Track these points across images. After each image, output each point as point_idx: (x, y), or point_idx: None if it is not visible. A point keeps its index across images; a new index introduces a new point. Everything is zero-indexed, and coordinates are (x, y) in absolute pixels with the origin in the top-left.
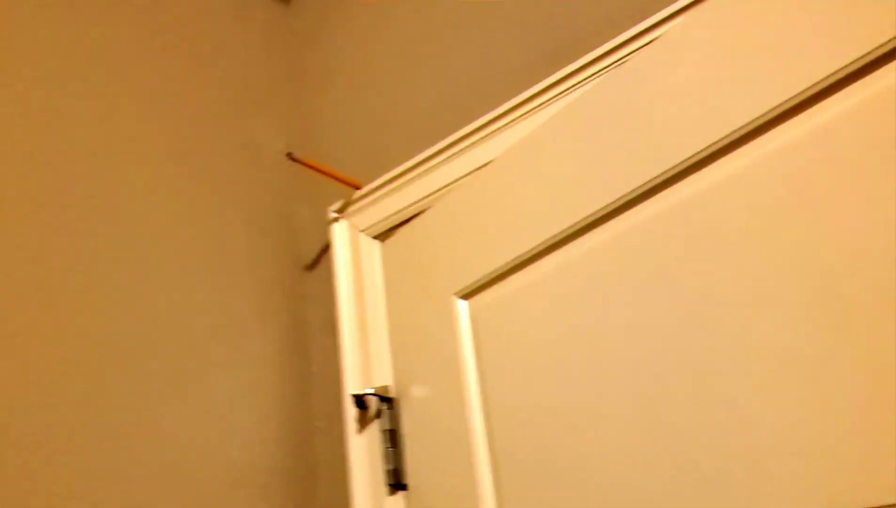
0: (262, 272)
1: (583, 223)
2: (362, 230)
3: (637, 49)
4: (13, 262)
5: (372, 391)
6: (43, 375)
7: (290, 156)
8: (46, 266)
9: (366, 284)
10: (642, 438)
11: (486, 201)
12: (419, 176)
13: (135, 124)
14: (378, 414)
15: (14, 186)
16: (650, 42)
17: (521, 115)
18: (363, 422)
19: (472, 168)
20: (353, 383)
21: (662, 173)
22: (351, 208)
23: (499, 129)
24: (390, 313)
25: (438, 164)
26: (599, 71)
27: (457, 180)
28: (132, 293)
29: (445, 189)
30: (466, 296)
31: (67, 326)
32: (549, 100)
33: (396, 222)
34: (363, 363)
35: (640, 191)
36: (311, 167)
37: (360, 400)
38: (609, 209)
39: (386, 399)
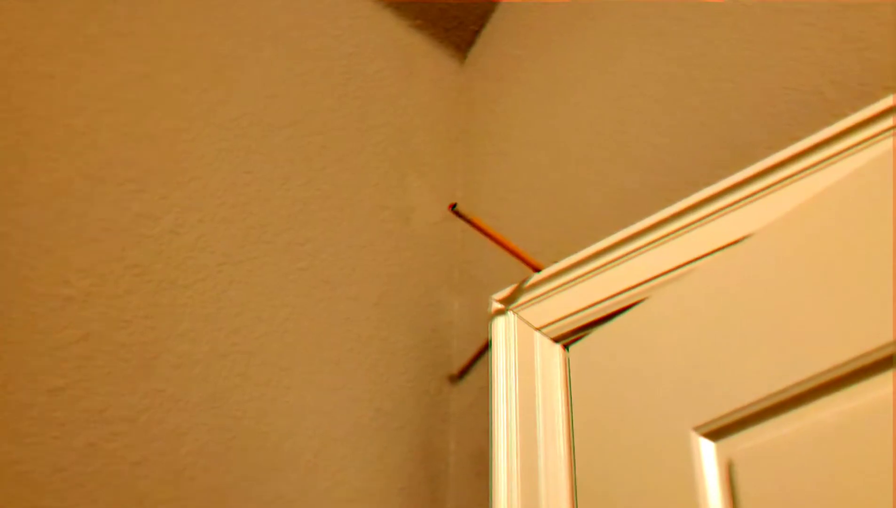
0: (392, 378)
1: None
2: (538, 328)
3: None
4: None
5: None
6: None
7: (453, 208)
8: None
9: (542, 403)
10: None
11: (736, 300)
12: (622, 260)
13: (287, 177)
14: None
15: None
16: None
17: (773, 183)
18: None
19: (692, 255)
20: None
21: None
22: (522, 298)
23: (738, 201)
24: (581, 451)
25: (649, 244)
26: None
27: (674, 269)
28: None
29: (658, 279)
30: (712, 435)
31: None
32: (807, 168)
33: (588, 321)
34: None
35: None
36: (480, 230)
37: None
38: None
39: None
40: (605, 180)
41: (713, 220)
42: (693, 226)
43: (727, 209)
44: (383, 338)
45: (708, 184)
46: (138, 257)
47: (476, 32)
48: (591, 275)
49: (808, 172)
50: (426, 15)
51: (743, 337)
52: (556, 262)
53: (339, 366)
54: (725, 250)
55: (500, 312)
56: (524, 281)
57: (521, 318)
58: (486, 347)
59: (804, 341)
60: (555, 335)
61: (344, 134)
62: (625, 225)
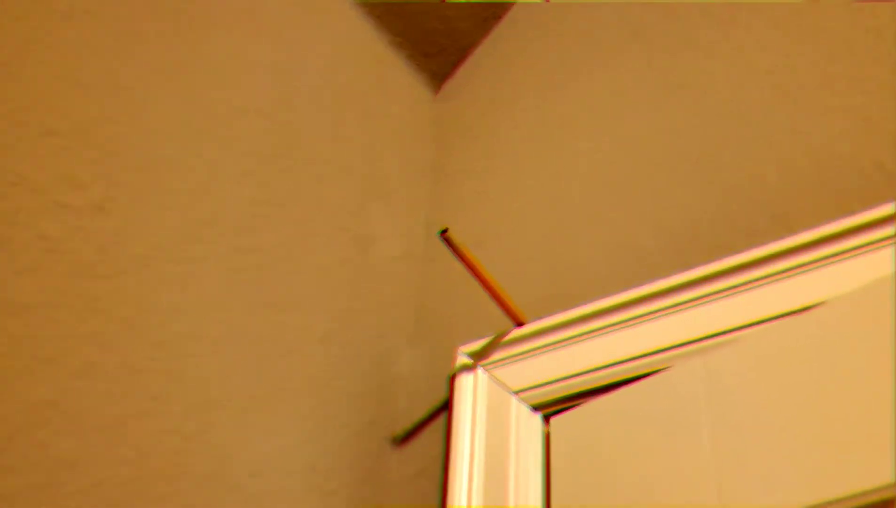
0: (331, 431)
1: None
2: (516, 392)
3: None
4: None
5: None
6: None
7: (442, 234)
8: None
9: (515, 482)
10: None
11: (789, 381)
12: (633, 322)
13: (244, 171)
14: None
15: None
16: None
17: (830, 255)
18: None
19: (729, 324)
20: None
21: None
22: (498, 355)
23: (792, 269)
24: None
25: (671, 308)
26: None
27: (704, 338)
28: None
29: (679, 349)
30: None
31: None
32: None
33: (580, 390)
34: None
35: None
36: (467, 265)
37: None
38: None
39: None
40: (611, 235)
41: (759, 287)
42: (729, 292)
43: (778, 276)
44: (326, 382)
45: (739, 249)
46: (50, 227)
47: (456, 63)
48: (590, 336)
49: (869, 248)
50: (407, 34)
51: (801, 423)
52: (543, 316)
53: (274, 407)
54: (778, 322)
55: (469, 368)
56: (503, 334)
57: (494, 378)
58: (441, 409)
59: (879, 438)
60: (535, 402)
61: (314, 138)
62: (630, 285)
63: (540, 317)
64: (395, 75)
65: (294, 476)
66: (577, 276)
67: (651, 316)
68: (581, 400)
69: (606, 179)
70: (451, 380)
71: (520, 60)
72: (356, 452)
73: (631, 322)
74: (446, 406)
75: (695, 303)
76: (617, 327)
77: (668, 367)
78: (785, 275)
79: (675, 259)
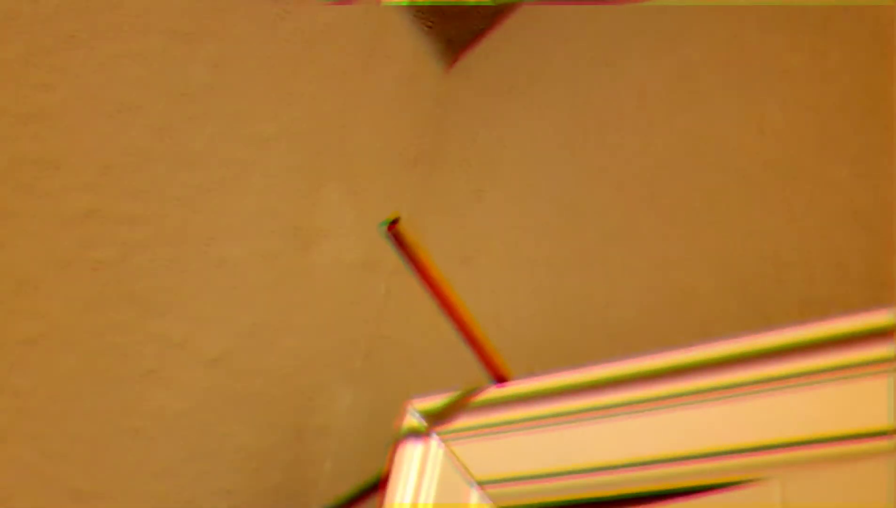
0: (198, 501)
1: None
2: (481, 484)
3: None
4: None
5: None
6: None
7: (391, 229)
8: None
9: None
10: None
11: None
12: (671, 403)
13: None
14: None
15: None
16: None
17: None
18: None
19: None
20: None
21: None
22: (461, 423)
23: None
24: None
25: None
26: None
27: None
28: None
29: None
30: None
31: None
32: None
33: (580, 497)
34: None
35: None
36: (427, 281)
37: None
38: None
39: None
40: (653, 270)
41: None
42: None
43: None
44: (204, 425)
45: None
46: None
47: (476, 34)
48: (608, 414)
49: None
50: None
51: None
52: (538, 374)
53: (103, 449)
54: None
55: (420, 433)
56: (473, 391)
57: (452, 454)
58: (378, 486)
59: None
60: (509, 504)
61: (251, 83)
62: (679, 347)
63: (533, 374)
64: (395, 34)
65: None
66: (596, 325)
67: (705, 398)
68: None
69: (644, 192)
70: (394, 447)
71: (552, 41)
72: None
73: (672, 402)
74: (385, 483)
75: (784, 386)
76: (651, 406)
77: (740, 482)
78: None
79: (749, 318)
